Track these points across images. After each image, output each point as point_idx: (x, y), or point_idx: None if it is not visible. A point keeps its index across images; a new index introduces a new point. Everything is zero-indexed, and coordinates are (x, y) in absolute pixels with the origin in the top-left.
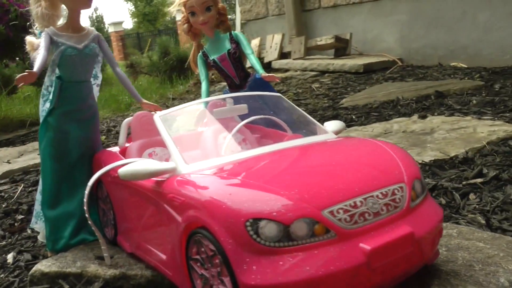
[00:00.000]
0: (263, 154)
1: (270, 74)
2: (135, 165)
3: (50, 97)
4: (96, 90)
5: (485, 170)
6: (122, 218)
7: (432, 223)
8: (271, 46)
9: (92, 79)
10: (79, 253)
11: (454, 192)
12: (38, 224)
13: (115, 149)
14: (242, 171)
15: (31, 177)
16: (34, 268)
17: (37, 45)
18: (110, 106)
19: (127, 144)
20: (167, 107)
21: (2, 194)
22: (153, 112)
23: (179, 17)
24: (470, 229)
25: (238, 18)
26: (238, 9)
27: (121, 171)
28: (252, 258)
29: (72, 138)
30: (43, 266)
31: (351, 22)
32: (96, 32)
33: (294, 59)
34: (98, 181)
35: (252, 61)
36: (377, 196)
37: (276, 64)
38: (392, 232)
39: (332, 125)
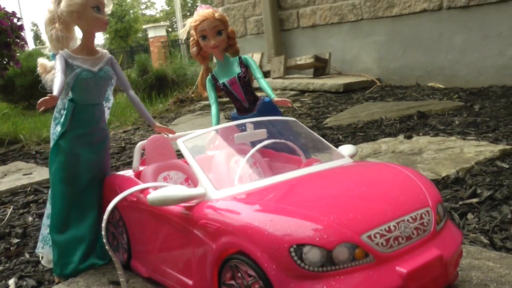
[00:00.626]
0: (290, 180)
1: (282, 99)
2: (164, 191)
3: (62, 119)
4: (107, 113)
5: (478, 190)
6: (139, 242)
7: (455, 245)
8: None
9: (104, 102)
10: (90, 278)
11: (453, 212)
12: (44, 249)
13: (129, 172)
14: (276, 197)
15: (19, 198)
16: None
17: (50, 68)
18: None
19: (141, 168)
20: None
21: None
22: (165, 135)
23: (151, 34)
24: (477, 248)
25: None
26: None
27: (150, 197)
28: (296, 283)
29: (83, 161)
30: None
31: (330, 42)
32: (110, 54)
33: (273, 78)
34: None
35: (262, 85)
36: (408, 220)
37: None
38: (423, 255)
39: (347, 149)
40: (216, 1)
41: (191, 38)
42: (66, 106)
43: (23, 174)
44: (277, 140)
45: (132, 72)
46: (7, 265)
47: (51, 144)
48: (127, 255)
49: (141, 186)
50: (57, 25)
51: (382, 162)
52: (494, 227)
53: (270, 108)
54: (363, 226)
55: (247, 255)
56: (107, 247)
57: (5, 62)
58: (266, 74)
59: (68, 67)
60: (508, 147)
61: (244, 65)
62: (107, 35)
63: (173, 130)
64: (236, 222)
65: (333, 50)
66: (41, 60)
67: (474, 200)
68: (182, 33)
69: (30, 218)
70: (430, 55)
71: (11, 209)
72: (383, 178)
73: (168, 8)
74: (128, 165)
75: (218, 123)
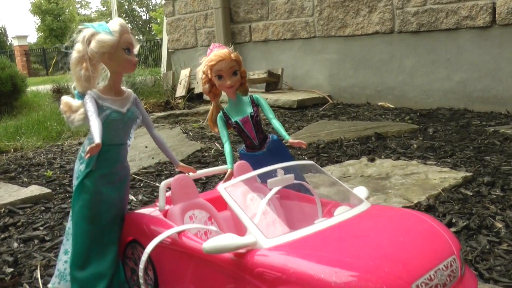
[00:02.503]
0: (331, 227)
1: (298, 140)
2: (219, 240)
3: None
4: (128, 150)
5: (453, 219)
6: (170, 281)
7: (475, 285)
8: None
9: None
10: None
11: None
12: (60, 284)
13: (151, 210)
14: (329, 247)
15: None
16: None
17: (76, 107)
18: (40, 134)
19: (167, 207)
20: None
21: None
22: (187, 174)
23: None
24: None
25: (164, 46)
26: (165, 37)
27: (206, 246)
28: None
29: (106, 200)
30: None
31: (282, 57)
32: (134, 94)
33: None
34: (131, 241)
35: (275, 126)
36: (442, 268)
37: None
38: None
39: (362, 193)
40: (167, 11)
41: (203, 76)
42: None
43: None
44: (295, 181)
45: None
46: None
47: (74, 182)
48: None
49: (178, 228)
50: (86, 64)
51: (399, 208)
52: (476, 257)
53: (278, 146)
54: (412, 275)
55: None
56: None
57: None
58: None
59: (98, 108)
60: (468, 174)
61: (256, 104)
62: (42, 33)
63: (194, 169)
64: (300, 272)
65: (285, 65)
66: (65, 99)
67: (452, 229)
68: (198, 71)
69: (16, 244)
70: (380, 76)
71: None
72: (412, 226)
73: (104, 9)
74: None
75: (232, 160)
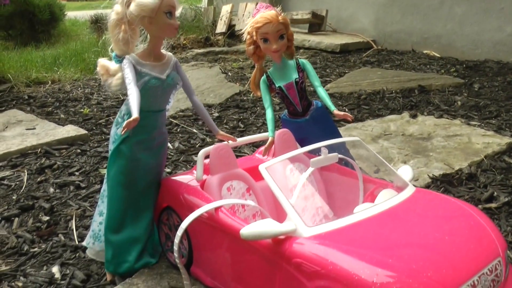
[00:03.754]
0: (373, 217)
1: (344, 113)
2: (257, 227)
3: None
4: (166, 115)
5: (495, 193)
6: (204, 253)
7: None
8: (243, 14)
9: None
10: (149, 281)
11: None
12: (95, 245)
13: (189, 178)
14: (370, 241)
15: (30, 161)
16: None
17: (114, 71)
18: (78, 65)
19: (204, 177)
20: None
21: (6, 182)
22: (227, 142)
23: None
24: None
25: None
26: None
27: (244, 233)
28: None
29: (143, 165)
30: None
31: None
32: (174, 58)
33: None
34: (166, 207)
35: (321, 94)
36: (486, 273)
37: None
38: None
39: (407, 174)
40: None
41: (248, 37)
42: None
43: (26, 129)
44: (338, 155)
45: None
46: (43, 246)
47: (110, 146)
48: (185, 260)
49: (215, 204)
50: (124, 26)
51: (445, 196)
52: None
53: (323, 113)
54: (455, 282)
55: None
56: (179, 266)
57: None
58: None
59: (136, 74)
60: None
61: (302, 70)
62: None
63: (234, 137)
64: (340, 269)
65: (330, 6)
66: (102, 61)
67: (493, 205)
68: (243, 34)
69: (52, 189)
70: (428, 22)
71: (26, 174)
72: (458, 222)
73: None
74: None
75: (274, 128)
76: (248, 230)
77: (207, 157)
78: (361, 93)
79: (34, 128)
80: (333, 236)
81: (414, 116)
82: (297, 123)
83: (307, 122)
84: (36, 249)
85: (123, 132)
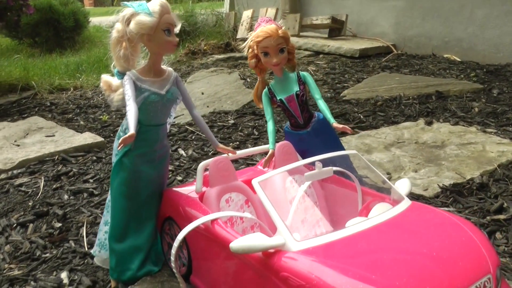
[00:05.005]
0: (364, 232)
1: (342, 126)
2: (247, 241)
3: None
4: (168, 128)
5: (505, 204)
6: (202, 263)
7: None
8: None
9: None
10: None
11: (482, 230)
12: (101, 253)
13: (188, 190)
14: (357, 256)
15: (48, 167)
16: None
17: (116, 87)
18: (100, 71)
19: (204, 189)
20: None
21: (24, 188)
22: (226, 155)
23: None
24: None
25: None
26: None
27: (233, 245)
28: None
29: (145, 177)
30: None
31: (347, 3)
32: (175, 73)
33: None
34: (167, 217)
35: (321, 107)
36: None
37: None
38: None
39: (405, 187)
40: None
41: (249, 50)
42: None
43: (46, 136)
44: (335, 168)
45: None
46: (54, 252)
47: (113, 159)
48: (185, 269)
49: (211, 216)
50: (125, 44)
51: (439, 211)
52: None
53: (324, 125)
54: None
55: None
56: (177, 276)
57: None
58: None
59: (136, 90)
60: None
61: (303, 82)
62: None
63: (234, 150)
64: (323, 284)
65: (350, 11)
66: (105, 77)
67: (502, 216)
68: (243, 48)
69: (66, 196)
70: (449, 26)
71: (43, 181)
72: (448, 238)
73: None
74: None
75: (274, 140)
76: (237, 243)
77: (207, 169)
78: (378, 99)
79: (53, 135)
80: (320, 251)
81: (429, 123)
82: (299, 135)
83: (309, 134)
84: (47, 254)
85: (119, 148)
